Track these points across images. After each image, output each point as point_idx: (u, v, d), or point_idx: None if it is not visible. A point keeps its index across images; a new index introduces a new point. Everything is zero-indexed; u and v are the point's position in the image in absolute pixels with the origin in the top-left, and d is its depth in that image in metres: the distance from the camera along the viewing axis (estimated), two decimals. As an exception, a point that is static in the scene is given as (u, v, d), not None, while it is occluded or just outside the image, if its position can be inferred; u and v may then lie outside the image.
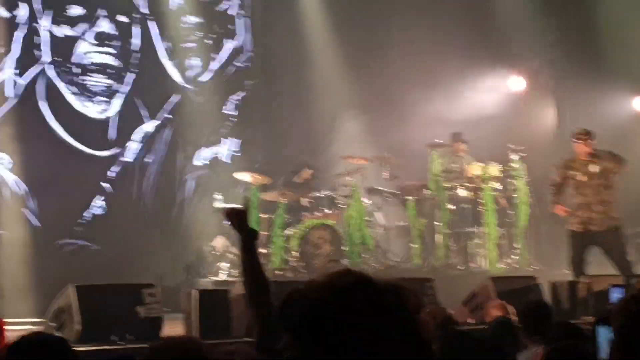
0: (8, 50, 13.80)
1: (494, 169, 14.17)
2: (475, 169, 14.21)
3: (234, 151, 16.03)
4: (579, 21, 16.02)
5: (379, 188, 14.39)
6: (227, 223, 4.41)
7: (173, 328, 8.86)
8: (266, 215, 13.48)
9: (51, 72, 14.18)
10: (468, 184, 14.25)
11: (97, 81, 14.52)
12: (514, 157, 14.29)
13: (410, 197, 14.02)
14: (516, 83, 16.56)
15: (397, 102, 16.09)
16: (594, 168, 11.73)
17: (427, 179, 14.18)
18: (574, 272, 11.56)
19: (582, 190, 11.79)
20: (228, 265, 13.58)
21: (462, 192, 14.23)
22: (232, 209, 4.38)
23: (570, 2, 16.25)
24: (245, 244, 4.28)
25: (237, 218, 4.31)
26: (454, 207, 14.14)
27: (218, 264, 13.77)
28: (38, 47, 14.07)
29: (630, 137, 15.32)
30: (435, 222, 14.02)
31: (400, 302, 2.05)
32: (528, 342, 6.53)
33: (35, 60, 14.02)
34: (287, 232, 13.31)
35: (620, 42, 15.64)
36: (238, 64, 16.33)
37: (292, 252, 13.10)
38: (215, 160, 15.76)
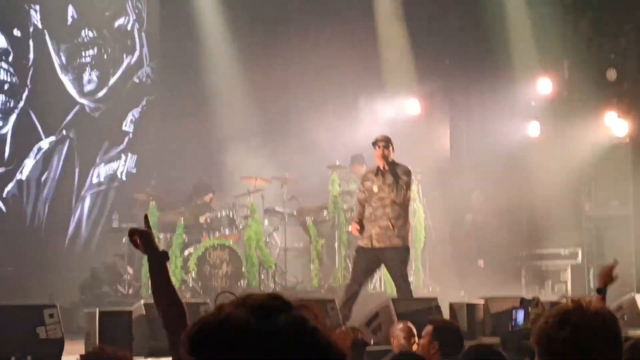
0: None
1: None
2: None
3: (131, 168, 15.84)
4: (475, 44, 16.29)
5: (278, 209, 14.36)
6: (132, 244, 4.14)
7: (74, 348, 8.68)
8: (164, 235, 13.33)
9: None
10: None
11: (-10, 97, 14.22)
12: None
13: (309, 218, 14.03)
14: (412, 107, 16.73)
15: (296, 123, 16.14)
16: (381, 180, 10.91)
17: (326, 200, 14.20)
18: (346, 291, 11.01)
19: (370, 202, 10.97)
20: (124, 285, 13.38)
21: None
22: (136, 229, 4.08)
23: (466, 26, 16.49)
24: (154, 266, 3.99)
25: (142, 239, 4.02)
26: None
27: (114, 284, 13.55)
28: None
29: (524, 162, 15.63)
30: (335, 244, 14.03)
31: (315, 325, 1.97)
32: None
33: None
34: (186, 252, 13.18)
35: (514, 66, 15.98)
36: (136, 79, 16.16)
37: (191, 273, 12.98)
38: (113, 177, 15.54)
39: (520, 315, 8.51)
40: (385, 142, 11.00)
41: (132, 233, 4.07)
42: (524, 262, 15.78)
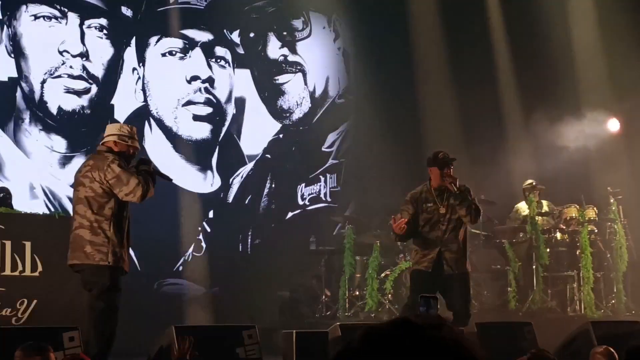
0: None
1: (591, 212, 13.96)
2: (571, 211, 14.04)
3: (332, 187, 16.03)
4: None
5: (474, 231, 14.22)
6: None
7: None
8: (360, 258, 13.45)
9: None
10: (564, 227, 14.07)
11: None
12: (611, 199, 14.05)
13: (504, 240, 13.87)
14: (612, 124, 16.32)
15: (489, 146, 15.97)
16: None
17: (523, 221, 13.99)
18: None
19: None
20: (321, 307, 13.58)
21: (558, 235, 14.05)
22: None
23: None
24: None
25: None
26: (550, 250, 13.93)
27: (312, 306, 13.77)
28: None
29: None
30: (532, 265, 13.79)
31: None
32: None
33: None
34: (382, 274, 13.25)
35: None
36: (338, 100, 16.35)
37: (387, 295, 13.04)
38: (314, 199, 15.79)
39: None
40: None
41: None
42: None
